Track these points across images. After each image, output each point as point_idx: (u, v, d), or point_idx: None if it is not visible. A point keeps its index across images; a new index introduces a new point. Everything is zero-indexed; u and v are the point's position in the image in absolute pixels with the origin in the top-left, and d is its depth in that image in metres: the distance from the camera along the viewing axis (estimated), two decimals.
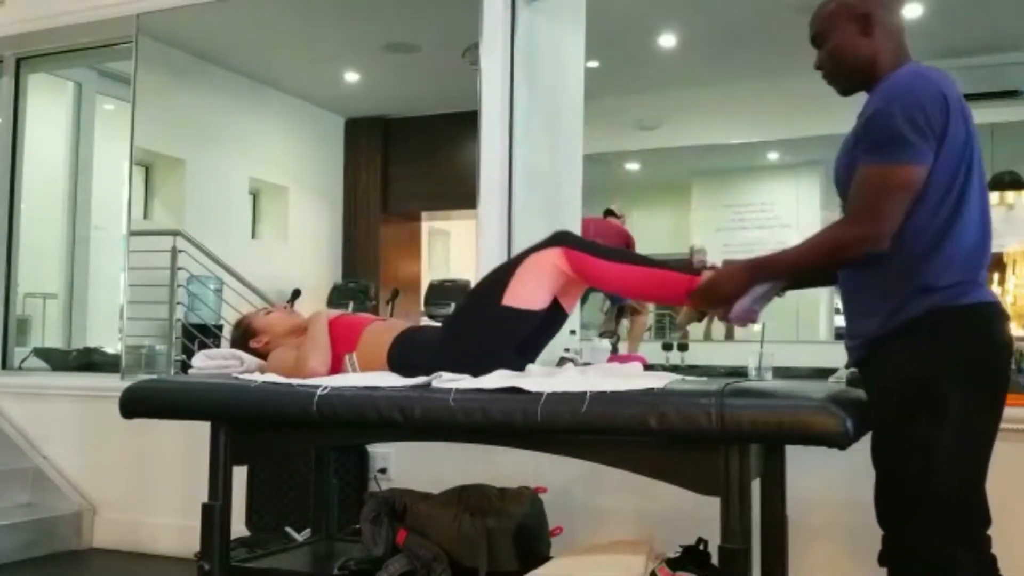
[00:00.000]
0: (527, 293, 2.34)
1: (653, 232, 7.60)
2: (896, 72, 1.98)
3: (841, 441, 1.88)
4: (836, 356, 2.77)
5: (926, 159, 1.87)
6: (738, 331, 6.85)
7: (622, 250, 2.27)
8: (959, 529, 1.96)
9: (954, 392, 1.89)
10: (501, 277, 2.43)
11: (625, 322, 6.18)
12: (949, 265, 1.91)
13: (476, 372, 2.31)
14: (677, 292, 2.21)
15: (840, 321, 7.65)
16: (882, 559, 2.02)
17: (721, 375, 3.75)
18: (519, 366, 2.39)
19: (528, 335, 2.44)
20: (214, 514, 2.51)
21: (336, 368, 2.59)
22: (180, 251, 5.19)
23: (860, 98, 2.26)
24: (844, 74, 2.10)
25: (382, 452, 3.70)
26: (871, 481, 2.99)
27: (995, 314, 1.97)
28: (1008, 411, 2.90)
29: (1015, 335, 4.51)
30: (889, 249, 1.88)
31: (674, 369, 3.66)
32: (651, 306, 7.32)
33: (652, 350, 5.73)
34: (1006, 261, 5.93)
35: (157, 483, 4.20)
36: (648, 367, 2.91)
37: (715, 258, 7.06)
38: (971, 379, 1.91)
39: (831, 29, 2.07)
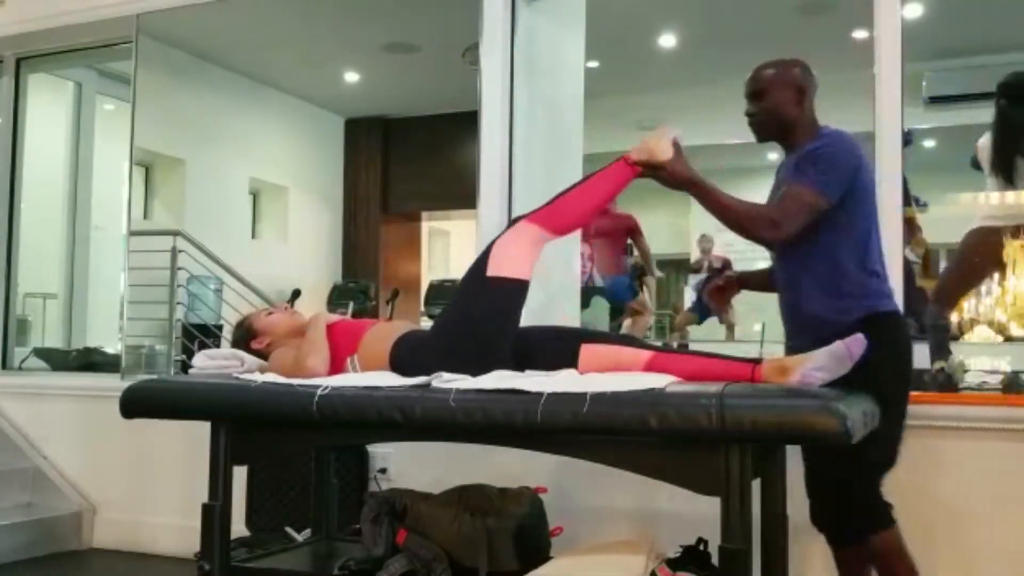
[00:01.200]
0: (510, 262, 2.43)
1: (653, 232, 7.59)
2: (830, 130, 2.54)
3: (842, 441, 1.88)
4: None
5: (835, 199, 2.39)
6: (738, 331, 6.85)
7: (562, 191, 2.55)
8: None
9: (889, 382, 2.40)
10: (479, 262, 2.49)
11: (627, 322, 6.18)
12: (865, 280, 2.44)
13: (473, 362, 2.34)
14: (623, 176, 2.56)
15: None
16: (817, 520, 2.53)
17: None
18: (511, 361, 2.41)
19: (517, 316, 2.48)
20: (214, 514, 2.51)
21: (337, 370, 2.59)
22: (180, 251, 5.18)
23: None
24: (771, 128, 2.60)
25: (382, 452, 3.70)
26: None
27: (903, 321, 2.57)
28: (1009, 411, 2.93)
29: (1015, 335, 4.50)
30: (823, 265, 2.43)
31: None
32: (652, 306, 7.32)
33: None
34: (1006, 260, 5.90)
35: (157, 483, 4.20)
36: None
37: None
38: (898, 372, 2.45)
39: (773, 90, 2.56)
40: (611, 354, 2.38)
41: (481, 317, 2.42)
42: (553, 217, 2.49)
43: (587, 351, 2.41)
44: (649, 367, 2.31)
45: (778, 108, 2.56)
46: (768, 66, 2.60)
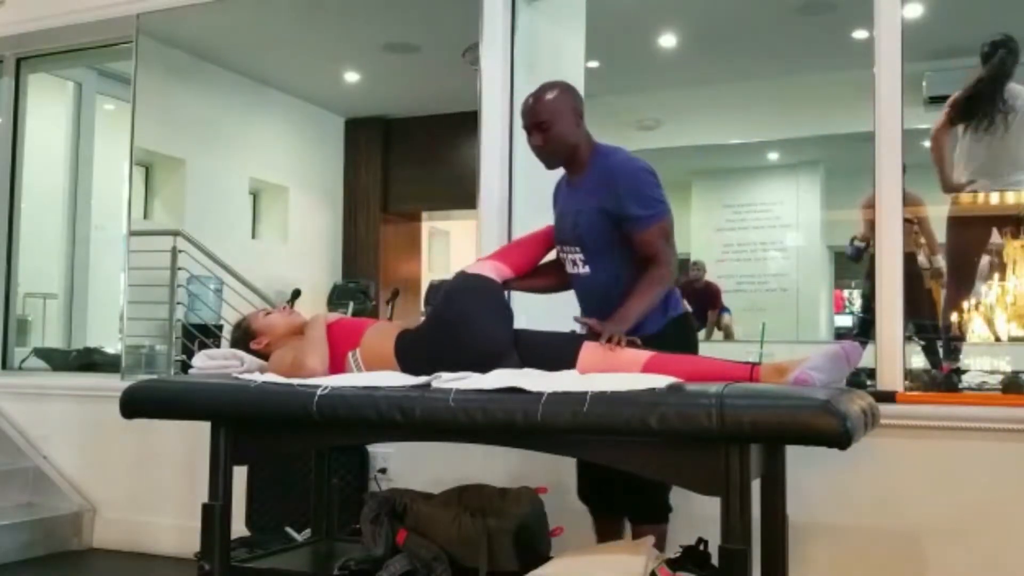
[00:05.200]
0: (480, 269, 2.69)
1: None
2: (615, 151, 2.69)
3: (841, 441, 1.88)
4: None
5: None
6: (739, 331, 6.86)
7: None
8: None
9: None
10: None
11: None
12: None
13: (470, 350, 2.43)
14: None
15: (841, 321, 7.64)
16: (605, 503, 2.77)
17: None
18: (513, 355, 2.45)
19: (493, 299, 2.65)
20: (214, 514, 2.51)
21: (339, 368, 2.59)
22: (180, 251, 5.19)
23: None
24: (560, 154, 2.68)
25: (382, 452, 3.70)
26: (871, 482, 3.01)
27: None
28: (1008, 411, 2.93)
29: (1016, 335, 4.50)
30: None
31: None
32: None
33: None
34: (1006, 260, 5.88)
35: (157, 483, 4.20)
36: None
37: (711, 259, 7.08)
38: None
39: (556, 119, 2.62)
40: (610, 355, 2.39)
41: (459, 299, 2.56)
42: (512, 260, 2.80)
43: (587, 350, 2.43)
44: (648, 368, 2.32)
45: (564, 136, 2.65)
46: (546, 96, 2.66)
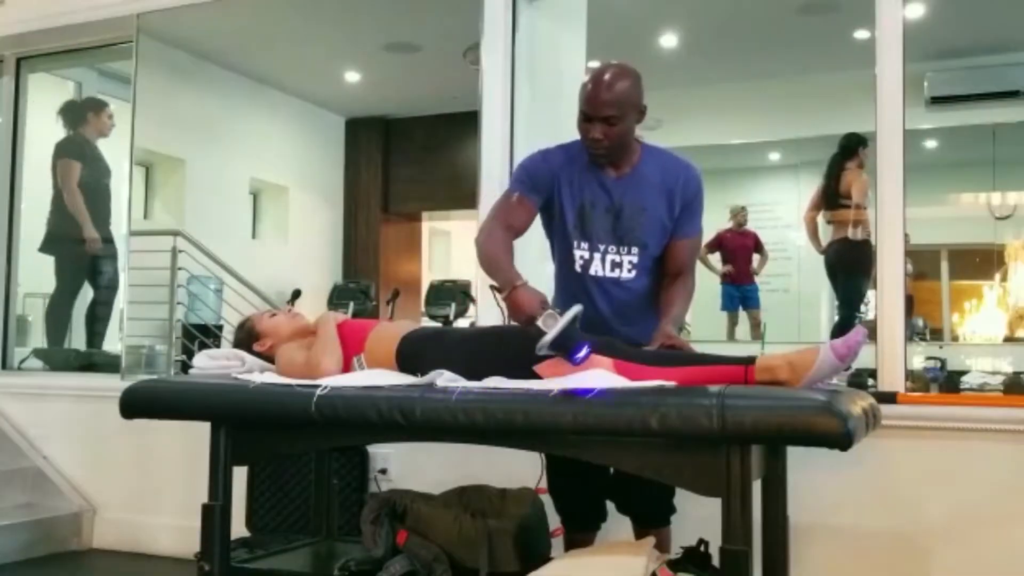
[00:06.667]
0: (556, 373, 2.23)
1: None
2: (663, 150, 2.54)
3: (843, 442, 1.88)
4: None
5: None
6: (739, 332, 6.85)
7: (666, 353, 2.29)
8: None
9: None
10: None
11: None
12: None
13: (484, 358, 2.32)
14: (734, 379, 2.14)
15: None
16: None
17: None
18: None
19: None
20: (214, 514, 2.51)
21: (345, 370, 2.57)
22: (180, 251, 5.18)
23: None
24: (614, 153, 2.42)
25: (383, 453, 3.69)
26: (872, 482, 3.00)
27: None
28: (1008, 412, 2.93)
29: (1016, 337, 4.49)
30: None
31: None
32: None
33: None
34: (1007, 260, 5.88)
35: (157, 483, 4.20)
36: None
37: (713, 259, 7.07)
38: None
39: (627, 113, 2.36)
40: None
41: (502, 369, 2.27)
42: (636, 372, 2.20)
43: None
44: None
45: (626, 134, 2.40)
46: (617, 86, 2.34)
